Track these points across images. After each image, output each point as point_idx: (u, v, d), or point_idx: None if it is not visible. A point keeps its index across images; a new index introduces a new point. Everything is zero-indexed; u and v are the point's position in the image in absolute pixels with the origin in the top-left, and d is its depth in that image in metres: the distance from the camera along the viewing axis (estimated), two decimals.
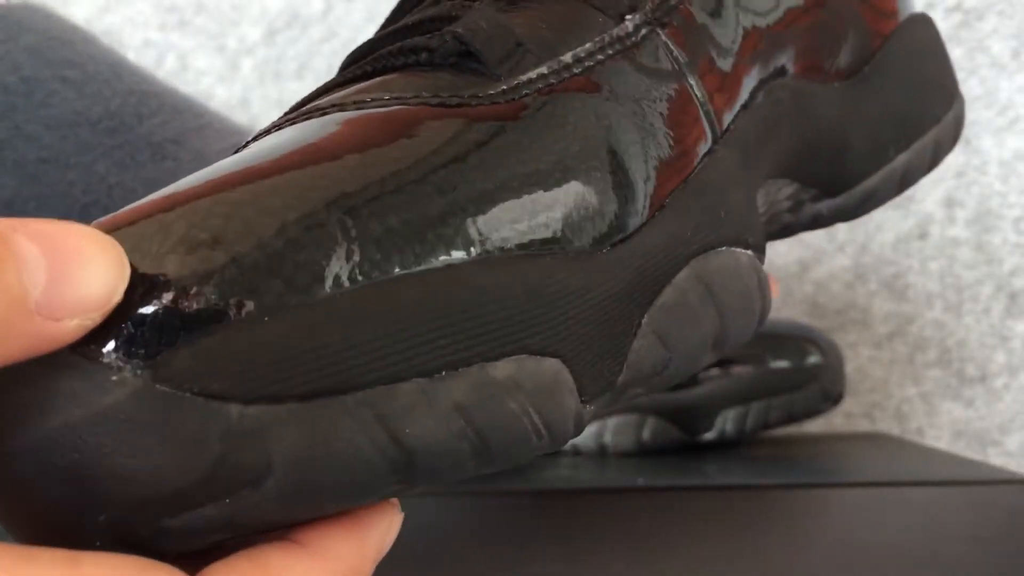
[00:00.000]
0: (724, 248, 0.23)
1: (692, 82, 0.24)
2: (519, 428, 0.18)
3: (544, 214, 0.20)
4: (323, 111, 0.21)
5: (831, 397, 0.49)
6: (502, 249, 0.19)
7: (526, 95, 0.21)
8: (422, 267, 0.18)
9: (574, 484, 0.36)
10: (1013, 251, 0.60)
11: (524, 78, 0.22)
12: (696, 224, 0.23)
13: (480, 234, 0.19)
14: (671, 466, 0.41)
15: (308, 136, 0.20)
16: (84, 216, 0.34)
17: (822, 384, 0.48)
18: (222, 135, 0.38)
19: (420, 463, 0.17)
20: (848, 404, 0.60)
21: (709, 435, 0.46)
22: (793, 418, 0.48)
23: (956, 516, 0.32)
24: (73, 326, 0.15)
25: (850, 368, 0.59)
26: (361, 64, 0.23)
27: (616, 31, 0.23)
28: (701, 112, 0.24)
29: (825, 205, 0.30)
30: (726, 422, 0.46)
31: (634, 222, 0.22)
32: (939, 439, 0.60)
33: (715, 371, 0.46)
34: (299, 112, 0.22)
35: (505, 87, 0.21)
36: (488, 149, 0.20)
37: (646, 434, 0.45)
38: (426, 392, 0.17)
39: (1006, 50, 0.61)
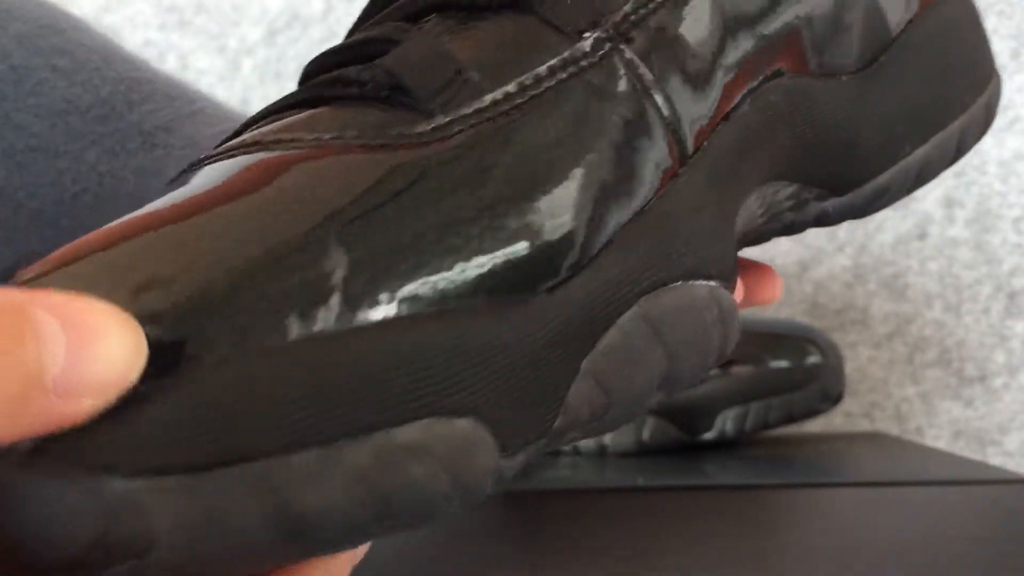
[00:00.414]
0: (679, 283, 0.22)
1: (659, 101, 0.23)
2: (426, 492, 0.17)
3: (465, 266, 0.19)
4: (247, 147, 0.20)
5: (831, 397, 0.49)
6: (415, 307, 0.18)
7: (459, 132, 0.20)
8: (321, 330, 0.17)
9: (574, 484, 0.36)
10: (1012, 251, 0.60)
11: (459, 113, 0.20)
12: (647, 261, 0.21)
13: (390, 293, 0.18)
14: (671, 466, 0.41)
15: (210, 184, 0.19)
16: (74, 205, 0.34)
17: (822, 384, 0.48)
18: (214, 122, 0.37)
19: (317, 533, 0.17)
20: (848, 404, 0.60)
21: (709, 435, 0.46)
22: (793, 418, 0.48)
23: (956, 516, 0.33)
24: (87, 405, 0.14)
25: (850, 368, 0.59)
26: (300, 91, 0.22)
27: (571, 52, 0.22)
28: (667, 134, 0.23)
29: (831, 204, 0.29)
30: (726, 422, 0.46)
31: (573, 265, 0.20)
32: (938, 439, 0.60)
33: (715, 371, 0.46)
34: (229, 146, 0.21)
35: (436, 124, 0.20)
36: (406, 196, 0.19)
37: (646, 434, 0.45)
38: (324, 461, 0.16)
39: (1005, 50, 0.61)
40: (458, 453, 0.18)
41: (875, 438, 0.53)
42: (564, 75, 0.22)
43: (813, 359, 0.48)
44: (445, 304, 0.18)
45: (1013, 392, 0.60)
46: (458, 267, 0.19)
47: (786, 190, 0.28)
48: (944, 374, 0.60)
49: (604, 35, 0.22)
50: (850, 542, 0.31)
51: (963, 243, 0.60)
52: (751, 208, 0.26)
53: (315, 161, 0.19)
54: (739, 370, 0.46)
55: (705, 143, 0.23)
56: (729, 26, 0.24)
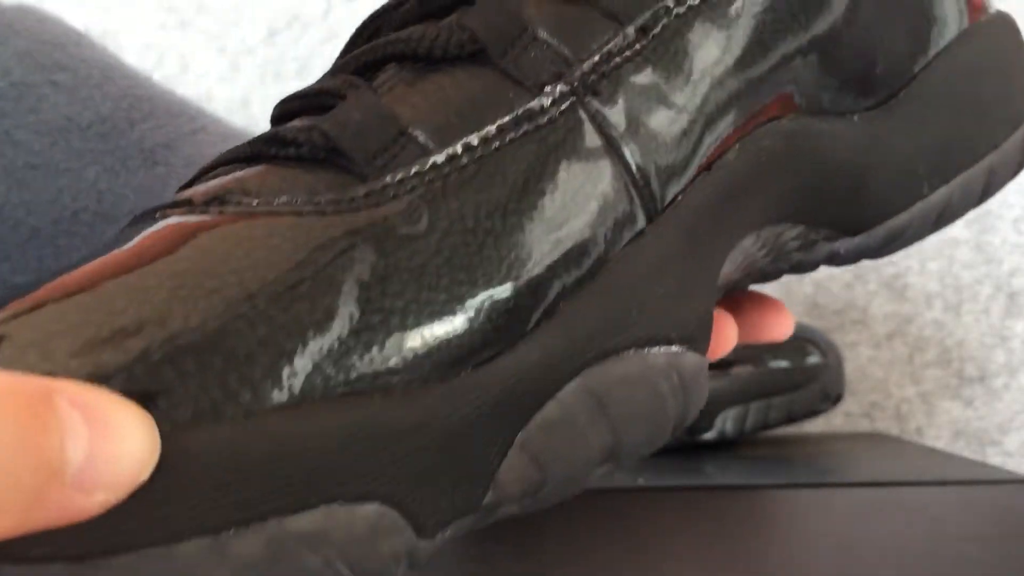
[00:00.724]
0: (631, 352, 0.20)
1: (627, 156, 0.21)
2: None
3: (382, 347, 0.18)
4: (178, 207, 0.19)
5: (831, 397, 0.49)
6: (321, 389, 0.17)
7: (393, 197, 0.19)
8: (215, 414, 0.16)
9: None
10: (1012, 251, 0.60)
11: (397, 177, 0.19)
12: (595, 329, 0.20)
13: (293, 375, 0.17)
14: (671, 466, 0.41)
15: (129, 247, 0.18)
16: (73, 223, 0.34)
17: (822, 384, 0.48)
18: (216, 140, 0.37)
19: None
20: (848, 404, 0.60)
21: (709, 435, 0.46)
22: (793, 418, 0.48)
23: (955, 516, 0.33)
24: (100, 500, 0.14)
25: (850, 368, 0.59)
26: (244, 144, 0.21)
27: (528, 107, 0.21)
28: (633, 191, 0.21)
29: (842, 244, 0.27)
30: (726, 422, 0.46)
31: (507, 340, 0.19)
32: (938, 439, 0.60)
33: (715, 371, 0.46)
34: (166, 205, 0.20)
35: (369, 189, 0.19)
36: (325, 269, 0.18)
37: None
38: (211, 551, 0.16)
39: None
40: (359, 540, 0.17)
41: (875, 438, 0.53)
42: (517, 133, 0.20)
43: (813, 359, 0.48)
44: (356, 385, 0.17)
45: (1013, 392, 0.60)
46: (375, 348, 0.18)
47: (791, 231, 0.26)
48: (944, 374, 0.60)
49: (568, 88, 0.21)
50: (850, 542, 0.31)
51: (963, 243, 0.60)
52: (748, 250, 0.25)
53: (236, 227, 0.18)
54: (739, 370, 0.47)
55: (680, 197, 0.22)
56: (711, 73, 0.23)
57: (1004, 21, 0.29)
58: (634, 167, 0.21)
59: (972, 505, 0.33)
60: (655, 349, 0.21)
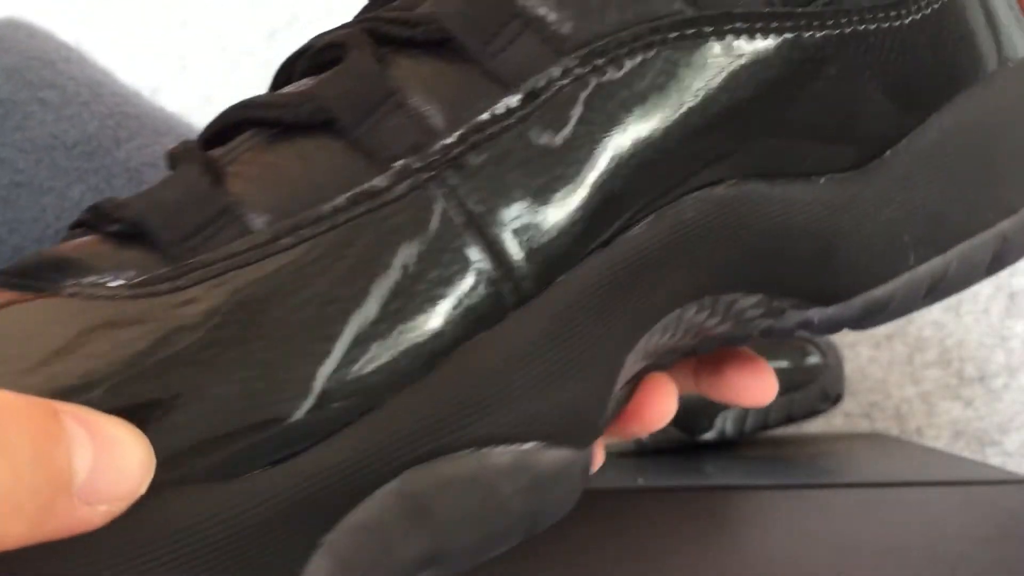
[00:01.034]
0: (467, 451, 0.18)
1: (493, 235, 0.19)
2: None
3: (164, 442, 0.16)
4: (8, 276, 0.19)
5: (830, 397, 0.49)
6: None
7: (198, 282, 0.18)
8: None
9: None
10: None
11: (203, 259, 0.18)
12: (421, 428, 0.18)
13: None
14: (671, 466, 0.41)
15: None
16: (55, 241, 0.34)
17: (821, 384, 0.48)
18: None
19: None
20: (847, 404, 0.60)
21: (709, 435, 0.46)
22: (792, 418, 0.48)
23: (955, 516, 0.33)
24: (103, 513, 0.15)
25: (849, 368, 0.59)
26: (82, 214, 0.20)
27: (371, 184, 0.19)
28: (495, 276, 0.19)
29: (815, 314, 0.24)
30: (726, 422, 0.46)
31: (313, 436, 0.18)
32: (938, 439, 0.60)
33: None
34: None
35: (171, 272, 0.18)
36: (110, 355, 0.17)
37: (645, 434, 0.45)
38: None
39: None
40: None
41: (875, 438, 0.53)
42: (353, 214, 0.19)
43: (813, 359, 0.48)
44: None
45: (1013, 392, 0.60)
46: (164, 439, 0.16)
47: (746, 300, 0.23)
48: (944, 374, 0.60)
49: (423, 163, 0.19)
50: (850, 542, 0.31)
51: None
52: (691, 320, 0.23)
53: (33, 305, 0.18)
54: None
55: (565, 276, 0.20)
56: (613, 143, 0.21)
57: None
58: (500, 248, 0.19)
59: (972, 505, 0.33)
60: (498, 448, 0.19)
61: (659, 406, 0.25)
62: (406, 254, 0.19)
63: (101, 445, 0.15)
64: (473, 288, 0.19)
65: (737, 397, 0.28)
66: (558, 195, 0.20)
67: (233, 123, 0.21)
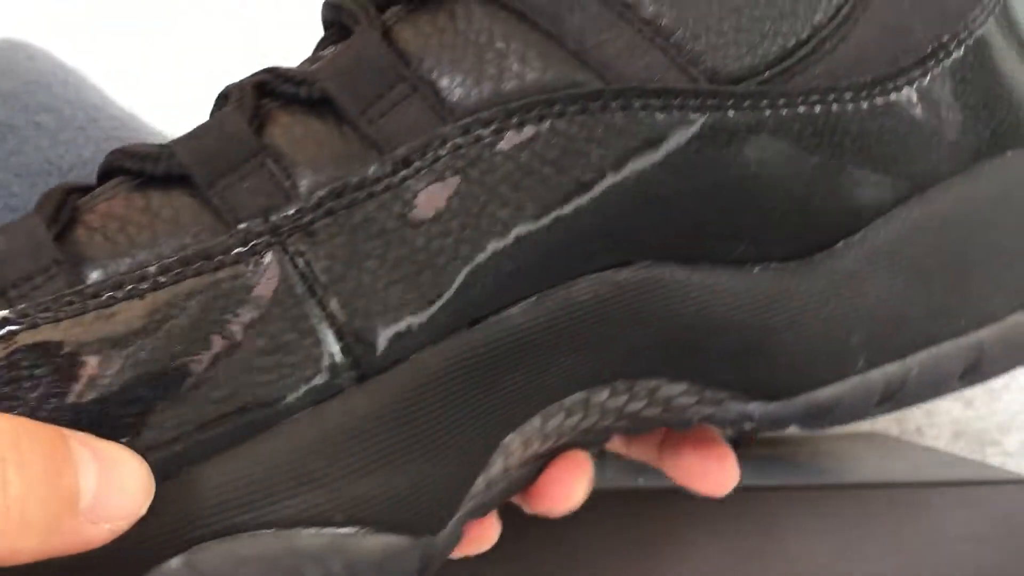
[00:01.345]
0: (272, 531, 0.18)
1: (334, 308, 0.18)
2: None
3: None
4: None
5: None
6: None
7: (27, 328, 0.17)
8: None
9: None
10: None
11: (23, 309, 0.17)
12: (225, 502, 0.18)
13: None
14: None
15: None
16: None
17: None
18: None
19: None
20: None
21: None
22: None
23: (955, 516, 0.33)
24: (106, 531, 0.16)
25: None
26: None
27: (207, 246, 0.18)
28: (332, 350, 0.18)
29: (755, 408, 0.23)
30: None
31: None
32: (938, 439, 0.60)
33: None
34: None
35: None
36: None
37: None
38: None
39: None
40: None
41: (875, 438, 0.53)
42: (182, 273, 0.18)
43: None
44: None
45: (1013, 392, 0.60)
46: None
47: (672, 388, 0.22)
48: None
49: (268, 227, 0.18)
50: (850, 542, 0.31)
51: None
52: (604, 404, 0.22)
53: None
54: None
55: (414, 356, 0.19)
56: (492, 215, 0.19)
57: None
58: (342, 321, 0.19)
59: (972, 505, 0.33)
60: (309, 530, 0.18)
61: (566, 486, 0.24)
62: (237, 319, 0.18)
63: (105, 467, 0.16)
64: (306, 359, 0.18)
65: (692, 482, 0.26)
66: (415, 271, 0.19)
67: (107, 169, 0.21)
